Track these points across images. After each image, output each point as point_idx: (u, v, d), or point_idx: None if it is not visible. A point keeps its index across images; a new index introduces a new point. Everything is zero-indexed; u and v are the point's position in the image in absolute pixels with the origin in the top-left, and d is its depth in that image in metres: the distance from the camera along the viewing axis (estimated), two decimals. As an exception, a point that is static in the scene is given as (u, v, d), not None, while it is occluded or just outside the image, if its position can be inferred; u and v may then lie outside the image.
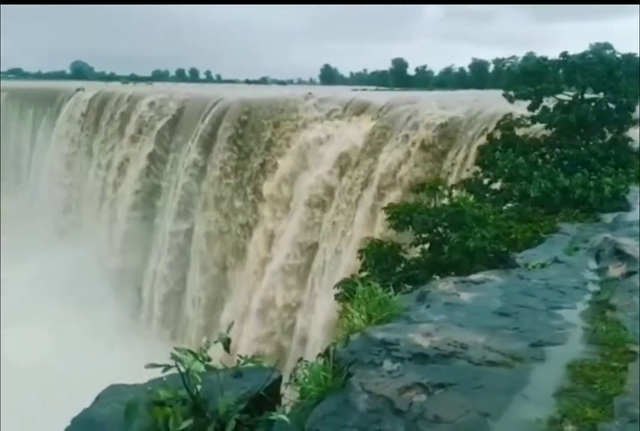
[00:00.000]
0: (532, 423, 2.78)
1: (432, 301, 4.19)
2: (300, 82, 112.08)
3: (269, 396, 3.33)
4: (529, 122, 13.01)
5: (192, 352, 3.10)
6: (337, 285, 9.07)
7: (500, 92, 14.27)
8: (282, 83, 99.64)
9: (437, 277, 7.15)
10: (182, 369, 3.00)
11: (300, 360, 3.71)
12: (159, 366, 3.15)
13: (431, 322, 3.77)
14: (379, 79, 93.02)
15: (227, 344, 3.11)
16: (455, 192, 10.37)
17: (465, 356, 3.36)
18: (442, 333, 3.60)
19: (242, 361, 3.39)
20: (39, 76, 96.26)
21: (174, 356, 3.09)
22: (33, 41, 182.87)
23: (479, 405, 2.92)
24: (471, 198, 10.02)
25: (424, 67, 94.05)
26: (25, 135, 38.88)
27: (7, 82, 66.25)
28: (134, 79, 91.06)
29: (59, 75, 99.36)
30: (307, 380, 3.37)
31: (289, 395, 3.47)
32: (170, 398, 2.94)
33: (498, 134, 13.26)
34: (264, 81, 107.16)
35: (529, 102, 12.96)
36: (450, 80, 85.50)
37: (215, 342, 3.04)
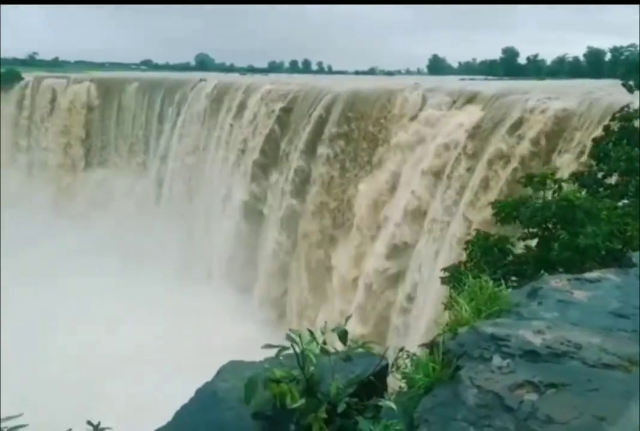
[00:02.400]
0: (652, 431, 2.59)
1: (544, 298, 3.99)
2: (408, 72, 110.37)
3: (377, 383, 3.31)
4: (649, 113, 12.07)
5: (311, 332, 3.13)
6: (445, 269, 8.93)
7: (617, 81, 13.33)
8: (389, 73, 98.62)
9: (546, 273, 6.82)
10: (298, 350, 3.04)
11: (402, 349, 3.66)
12: (275, 347, 3.21)
13: (543, 319, 3.59)
14: (488, 69, 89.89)
15: (343, 336, 3.11)
16: (565, 186, 9.82)
17: (579, 357, 3.17)
18: (555, 331, 3.42)
19: (352, 346, 3.40)
20: (166, 67, 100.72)
21: (289, 337, 3.13)
22: (163, 35, 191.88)
23: (594, 407, 2.75)
24: (583, 193, 9.44)
25: (536, 56, 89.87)
26: (153, 122, 40.91)
27: (139, 72, 70.13)
28: (251, 70, 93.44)
29: (184, 67, 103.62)
30: (415, 369, 3.33)
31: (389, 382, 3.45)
32: (284, 377, 3.00)
33: (615, 126, 12.40)
34: (372, 72, 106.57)
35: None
36: (564, 69, 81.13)
37: (333, 330, 3.05)
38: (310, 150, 27.96)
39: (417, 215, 21.63)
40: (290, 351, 3.07)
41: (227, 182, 32.67)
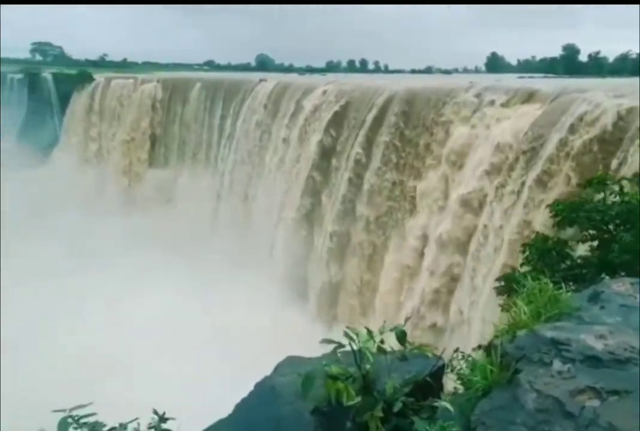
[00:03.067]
0: None
1: (606, 302, 3.83)
2: (466, 70, 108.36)
3: (433, 383, 3.27)
4: None
5: (368, 331, 3.11)
6: (499, 279, 8.71)
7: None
8: (447, 72, 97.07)
9: (607, 277, 6.56)
10: (355, 347, 3.03)
11: (457, 350, 3.59)
12: (332, 342, 3.20)
13: (605, 324, 3.45)
14: (548, 67, 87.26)
15: (402, 336, 3.07)
16: (627, 187, 9.42)
17: (643, 364, 3.03)
18: (618, 336, 3.28)
19: (409, 347, 3.36)
20: (228, 68, 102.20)
21: (346, 335, 3.12)
22: (225, 36, 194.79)
23: (658, 416, 2.63)
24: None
25: (597, 53, 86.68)
26: (215, 121, 41.59)
27: (202, 73, 71.52)
28: (309, 70, 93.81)
29: (245, 67, 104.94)
30: (471, 371, 3.26)
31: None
32: (341, 374, 2.99)
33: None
34: (428, 70, 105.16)
35: None
36: (626, 67, 77.87)
37: (391, 330, 3.02)
38: (365, 149, 27.87)
39: (473, 215, 21.23)
40: (347, 348, 3.06)
41: (284, 180, 32.95)
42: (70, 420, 2.76)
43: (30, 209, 41.65)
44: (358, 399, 2.92)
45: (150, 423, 2.90)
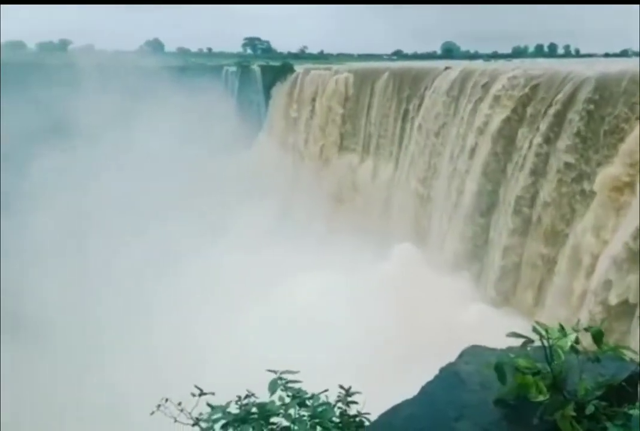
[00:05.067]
0: None
1: None
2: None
3: (629, 389, 2.93)
4: None
5: (561, 327, 2.88)
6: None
7: None
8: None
9: None
10: (546, 343, 2.82)
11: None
12: (522, 337, 3.02)
13: None
14: None
15: (598, 336, 2.78)
16: None
17: None
18: None
19: (604, 347, 3.04)
20: (415, 57, 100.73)
21: (535, 330, 2.92)
22: (412, 25, 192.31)
23: None
24: None
25: None
26: (400, 109, 41.35)
27: (390, 62, 71.59)
28: (495, 56, 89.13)
29: (431, 55, 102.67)
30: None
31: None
32: (528, 368, 2.80)
33: None
34: (624, 54, 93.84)
35: None
36: None
37: (586, 330, 2.74)
38: (550, 137, 25.80)
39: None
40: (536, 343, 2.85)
41: (464, 166, 31.89)
42: (280, 382, 2.91)
43: (241, 188, 45.28)
44: (547, 396, 2.71)
45: (338, 396, 2.97)
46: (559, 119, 25.35)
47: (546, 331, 2.87)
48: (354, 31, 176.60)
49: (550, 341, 2.80)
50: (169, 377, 20.78)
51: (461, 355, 3.10)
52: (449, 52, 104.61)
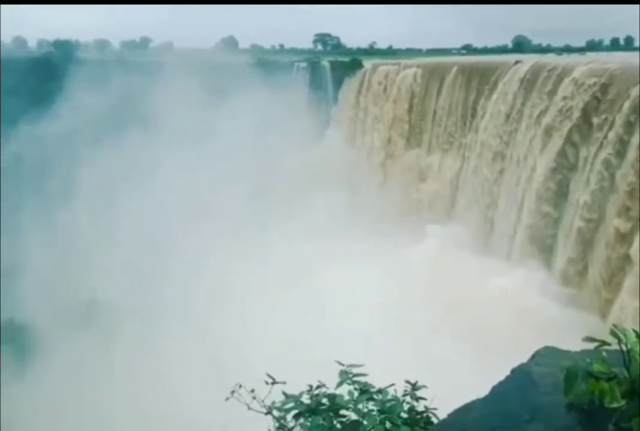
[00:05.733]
0: None
1: None
2: None
3: None
4: None
5: (636, 332, 2.76)
6: None
7: None
8: None
9: None
10: (624, 348, 2.71)
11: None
12: (597, 341, 2.91)
13: None
14: None
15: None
16: None
17: None
18: None
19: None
20: (485, 51, 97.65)
21: (613, 333, 2.80)
22: (482, 19, 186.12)
23: None
24: None
25: None
26: (468, 104, 40.31)
27: (459, 57, 69.89)
28: (567, 49, 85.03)
29: (502, 49, 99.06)
30: None
31: None
32: (603, 373, 2.69)
33: None
34: None
35: None
36: None
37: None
38: (624, 132, 24.44)
39: None
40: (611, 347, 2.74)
41: (533, 160, 30.79)
42: (348, 374, 2.93)
43: (310, 181, 45.73)
44: (623, 402, 2.60)
45: (405, 391, 2.95)
46: (636, 111, 24.00)
47: (624, 335, 2.75)
48: (423, 26, 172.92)
49: (628, 345, 2.68)
50: (224, 365, 21.27)
51: (534, 356, 3.02)
52: (520, 45, 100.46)
